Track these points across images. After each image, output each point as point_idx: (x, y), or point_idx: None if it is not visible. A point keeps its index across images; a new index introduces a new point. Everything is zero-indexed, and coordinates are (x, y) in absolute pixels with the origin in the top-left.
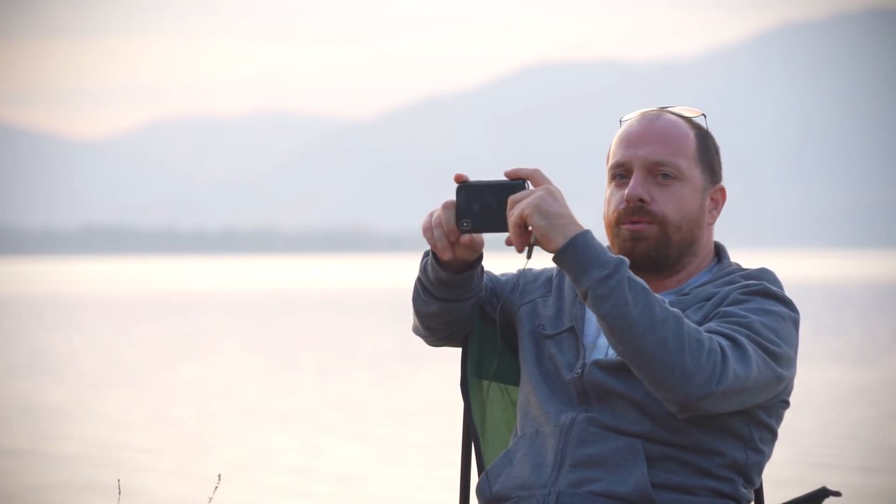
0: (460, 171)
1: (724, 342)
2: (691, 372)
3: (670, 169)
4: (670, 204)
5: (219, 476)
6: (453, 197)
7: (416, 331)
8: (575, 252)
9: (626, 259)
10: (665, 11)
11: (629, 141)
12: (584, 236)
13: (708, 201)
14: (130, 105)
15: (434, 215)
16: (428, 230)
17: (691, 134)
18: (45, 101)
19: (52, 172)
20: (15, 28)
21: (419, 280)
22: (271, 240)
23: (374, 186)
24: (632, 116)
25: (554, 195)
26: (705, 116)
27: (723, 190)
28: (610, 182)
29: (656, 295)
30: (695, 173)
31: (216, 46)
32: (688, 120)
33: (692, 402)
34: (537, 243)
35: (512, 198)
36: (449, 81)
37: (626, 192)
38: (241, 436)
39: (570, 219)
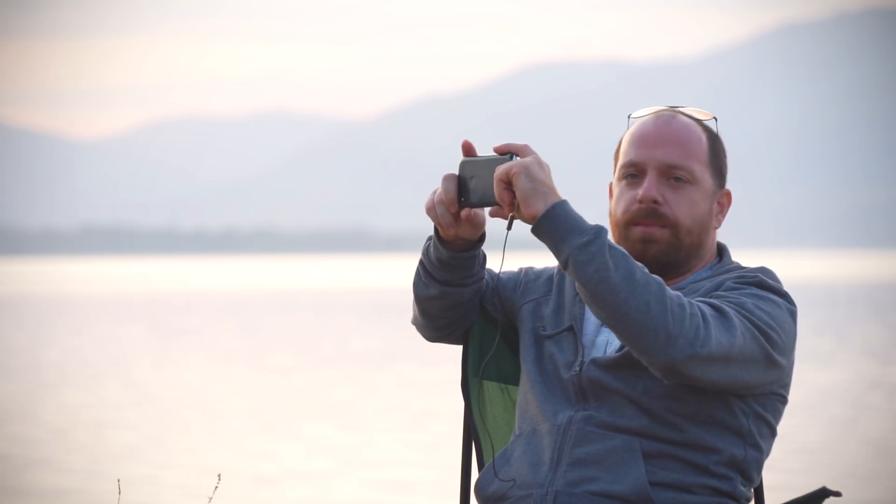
0: (468, 139)
1: (707, 308)
2: (675, 334)
3: (684, 173)
4: (683, 208)
5: (219, 476)
6: (458, 175)
7: (415, 320)
8: (554, 220)
9: (605, 227)
10: (665, 11)
11: (644, 141)
12: (563, 205)
13: (715, 205)
14: (130, 105)
15: (436, 192)
16: (431, 209)
17: (704, 137)
18: (45, 101)
19: (52, 172)
20: (15, 28)
21: (421, 263)
22: (271, 240)
23: (374, 186)
24: (643, 114)
25: (542, 165)
26: (716, 120)
27: (728, 194)
28: (620, 181)
29: (637, 262)
30: (706, 177)
31: (216, 46)
32: (699, 123)
33: (677, 364)
34: (518, 212)
35: (499, 167)
36: (449, 81)
37: (639, 192)
38: (241, 435)
39: (552, 189)
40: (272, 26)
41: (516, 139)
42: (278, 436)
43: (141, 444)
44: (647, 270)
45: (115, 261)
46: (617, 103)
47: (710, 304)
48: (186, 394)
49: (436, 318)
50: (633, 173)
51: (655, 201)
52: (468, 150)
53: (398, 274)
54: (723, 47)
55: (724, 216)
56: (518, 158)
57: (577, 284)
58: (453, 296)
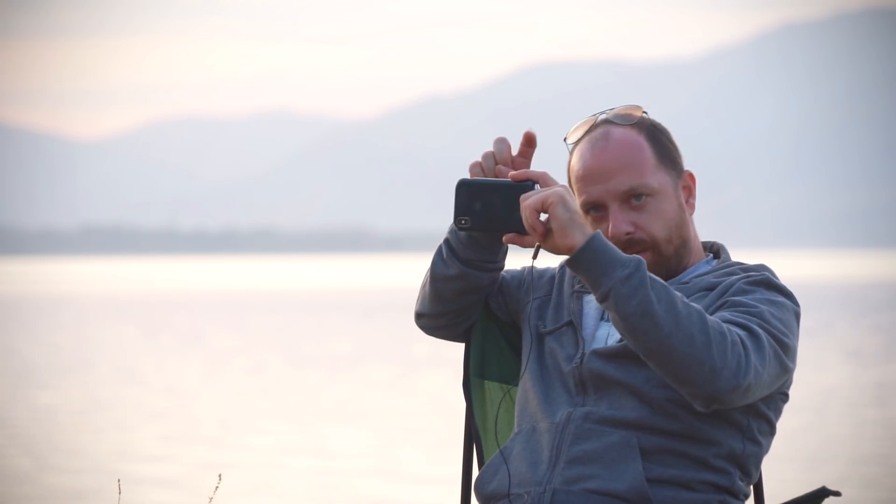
0: (532, 131)
1: (742, 333)
2: (720, 367)
3: (642, 189)
4: (654, 223)
5: (219, 476)
6: (456, 197)
7: (422, 306)
8: (594, 252)
9: (643, 259)
10: (665, 11)
11: (591, 177)
12: (600, 237)
13: (681, 194)
14: (131, 105)
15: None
16: (475, 164)
17: (643, 141)
18: (45, 101)
19: (52, 172)
20: (15, 28)
21: (445, 241)
22: (271, 240)
23: (374, 186)
24: (577, 136)
25: (572, 195)
26: (647, 113)
27: (691, 175)
28: (585, 215)
29: (675, 291)
30: (663, 180)
31: (216, 46)
32: (633, 126)
33: (721, 395)
34: (546, 241)
35: (531, 195)
36: (449, 81)
37: (609, 230)
38: (242, 435)
39: (585, 219)
40: (272, 26)
41: (516, 138)
42: (279, 436)
43: (141, 443)
44: (685, 299)
45: (115, 261)
46: (616, 103)
47: (742, 325)
48: (186, 394)
49: (447, 302)
50: (594, 208)
51: (627, 233)
52: (530, 140)
53: (398, 274)
54: (723, 47)
55: (694, 197)
56: (539, 187)
57: (615, 317)
58: (471, 279)
